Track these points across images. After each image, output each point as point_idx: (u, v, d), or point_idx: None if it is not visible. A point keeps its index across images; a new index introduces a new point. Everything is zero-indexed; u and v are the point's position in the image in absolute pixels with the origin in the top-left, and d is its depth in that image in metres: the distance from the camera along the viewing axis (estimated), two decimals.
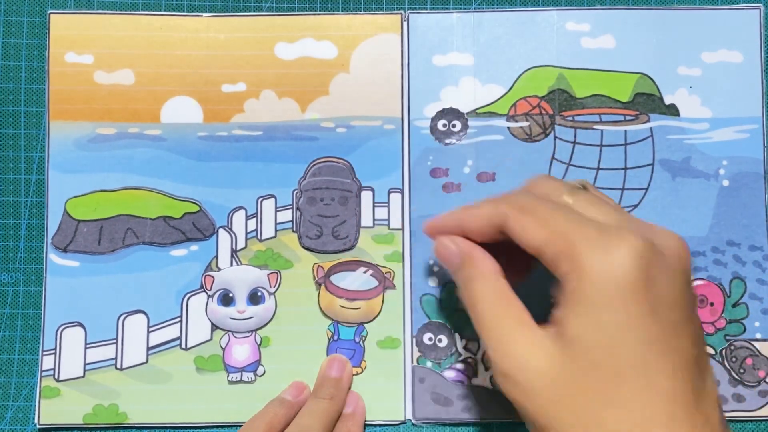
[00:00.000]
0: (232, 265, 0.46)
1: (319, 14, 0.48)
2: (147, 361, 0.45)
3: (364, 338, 0.45)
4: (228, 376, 0.45)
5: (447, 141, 0.47)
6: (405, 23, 0.47)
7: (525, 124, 0.46)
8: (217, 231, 0.46)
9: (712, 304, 0.46)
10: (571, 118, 0.47)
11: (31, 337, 0.46)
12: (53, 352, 0.45)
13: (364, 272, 0.43)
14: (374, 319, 0.45)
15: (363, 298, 0.45)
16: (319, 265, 0.44)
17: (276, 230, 0.46)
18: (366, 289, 0.45)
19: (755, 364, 0.46)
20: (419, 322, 0.46)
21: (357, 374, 0.45)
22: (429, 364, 0.45)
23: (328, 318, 0.45)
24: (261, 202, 0.46)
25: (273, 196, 0.46)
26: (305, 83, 0.47)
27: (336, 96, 0.47)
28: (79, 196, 0.46)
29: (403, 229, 0.46)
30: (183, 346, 0.45)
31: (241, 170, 0.46)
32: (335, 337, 0.45)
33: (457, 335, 0.46)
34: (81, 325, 0.45)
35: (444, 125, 0.47)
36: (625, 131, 0.47)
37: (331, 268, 0.44)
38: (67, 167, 0.46)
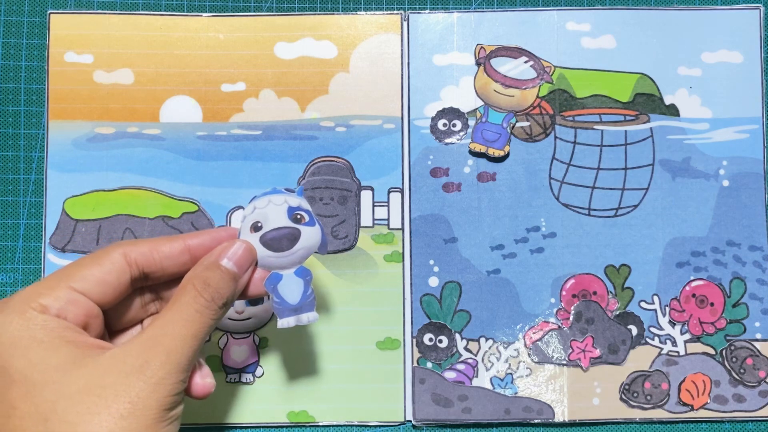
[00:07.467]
0: None
1: (319, 14, 0.48)
2: None
3: (512, 125, 0.44)
4: (226, 377, 0.45)
5: (447, 140, 0.47)
6: (405, 23, 0.47)
7: (525, 123, 0.46)
8: None
9: (712, 304, 0.46)
10: (571, 118, 0.47)
11: None
12: None
13: (525, 62, 0.43)
14: (525, 109, 0.44)
15: (518, 87, 0.45)
16: (481, 47, 0.43)
17: None
18: (523, 78, 0.45)
19: (755, 364, 0.45)
20: (419, 322, 0.46)
21: (500, 155, 0.44)
22: (429, 364, 0.45)
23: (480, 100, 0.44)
24: None
25: None
26: (305, 83, 0.47)
27: (335, 95, 0.47)
28: (78, 195, 0.46)
29: (403, 229, 0.46)
30: None
31: (240, 170, 0.46)
32: (483, 119, 0.45)
33: (457, 336, 0.45)
34: None
35: (444, 125, 0.47)
36: (625, 131, 0.47)
37: (493, 51, 0.43)
38: (65, 167, 0.46)
